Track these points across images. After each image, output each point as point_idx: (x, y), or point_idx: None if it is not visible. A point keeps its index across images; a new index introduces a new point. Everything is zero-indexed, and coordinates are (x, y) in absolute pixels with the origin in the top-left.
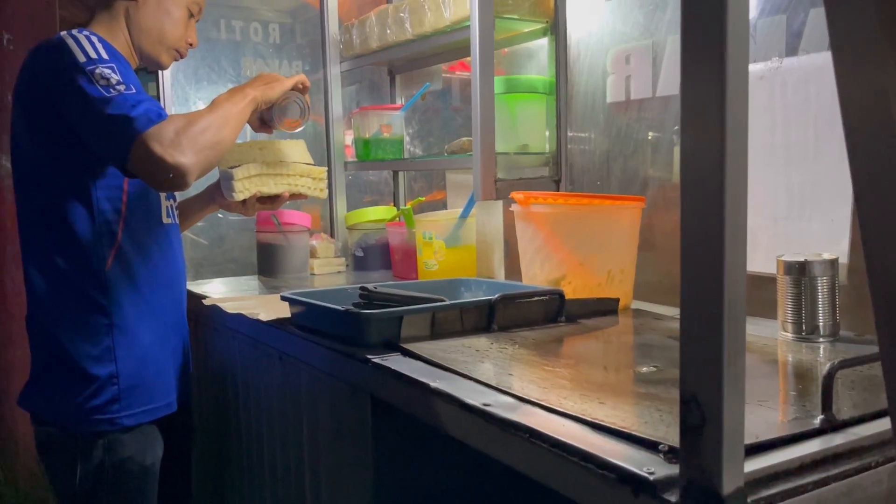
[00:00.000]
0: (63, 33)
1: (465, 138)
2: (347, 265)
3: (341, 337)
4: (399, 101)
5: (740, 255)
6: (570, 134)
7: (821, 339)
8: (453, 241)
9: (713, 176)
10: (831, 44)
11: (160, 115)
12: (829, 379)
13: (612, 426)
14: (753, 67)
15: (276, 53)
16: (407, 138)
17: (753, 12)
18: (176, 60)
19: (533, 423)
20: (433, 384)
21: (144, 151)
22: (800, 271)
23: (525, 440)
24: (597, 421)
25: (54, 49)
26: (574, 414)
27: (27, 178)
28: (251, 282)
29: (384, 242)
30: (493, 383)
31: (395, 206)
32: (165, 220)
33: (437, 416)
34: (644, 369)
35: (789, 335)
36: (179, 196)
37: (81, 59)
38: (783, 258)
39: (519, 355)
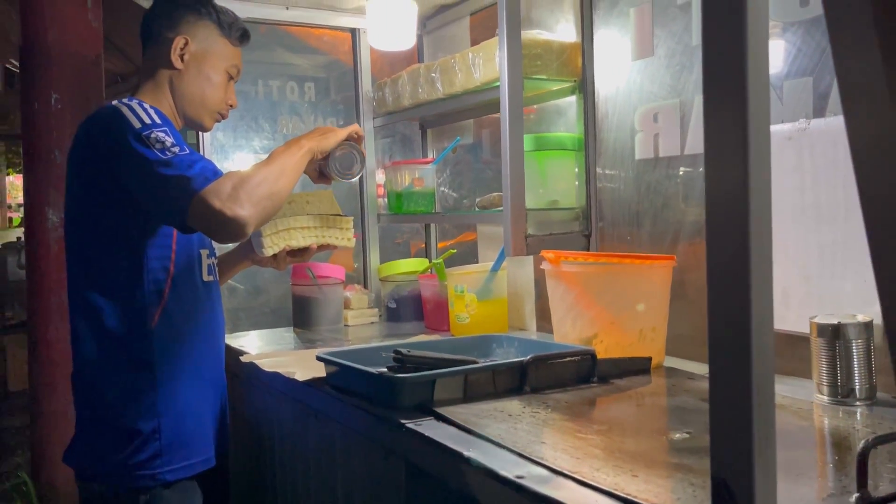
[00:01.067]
0: (115, 102)
1: (495, 193)
2: (381, 315)
3: (375, 399)
4: (430, 154)
5: (768, 342)
6: (599, 189)
7: (857, 403)
8: (485, 295)
9: (738, 220)
10: (841, 98)
11: (216, 173)
12: (863, 456)
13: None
14: (781, 128)
15: (311, 110)
16: (439, 188)
17: (780, 73)
18: (218, 122)
19: (566, 499)
20: (466, 453)
21: (204, 207)
22: (834, 334)
23: None
24: (630, 497)
25: (109, 117)
26: (607, 489)
27: (81, 240)
28: (286, 334)
29: (417, 294)
30: (525, 453)
31: (426, 257)
32: (207, 277)
33: (470, 486)
34: (677, 436)
35: (825, 398)
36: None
37: (136, 124)
38: (816, 320)
39: (551, 420)
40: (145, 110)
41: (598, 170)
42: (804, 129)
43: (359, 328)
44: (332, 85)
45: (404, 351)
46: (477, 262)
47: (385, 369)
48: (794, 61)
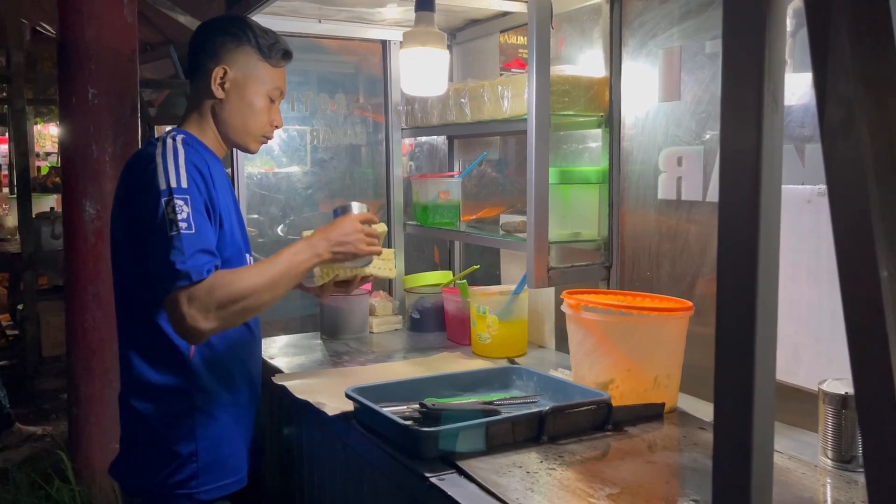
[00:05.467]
0: (158, 145)
1: (519, 219)
2: (404, 323)
3: (400, 446)
4: (457, 165)
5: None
6: (621, 223)
7: (859, 469)
8: (506, 316)
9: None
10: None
11: (201, 274)
12: None
13: None
14: (801, 190)
15: (342, 120)
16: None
17: (803, 136)
18: (264, 143)
19: None
20: None
21: (174, 305)
22: (841, 404)
23: None
24: None
25: (146, 163)
26: None
27: (123, 272)
28: (314, 342)
29: (440, 306)
30: None
31: (450, 268)
32: None
33: None
34: None
35: (828, 461)
36: None
37: (162, 185)
38: (825, 387)
39: (566, 480)
40: (177, 166)
41: (622, 204)
42: (824, 194)
43: (383, 337)
44: (361, 92)
45: (429, 404)
46: (499, 274)
47: (410, 419)
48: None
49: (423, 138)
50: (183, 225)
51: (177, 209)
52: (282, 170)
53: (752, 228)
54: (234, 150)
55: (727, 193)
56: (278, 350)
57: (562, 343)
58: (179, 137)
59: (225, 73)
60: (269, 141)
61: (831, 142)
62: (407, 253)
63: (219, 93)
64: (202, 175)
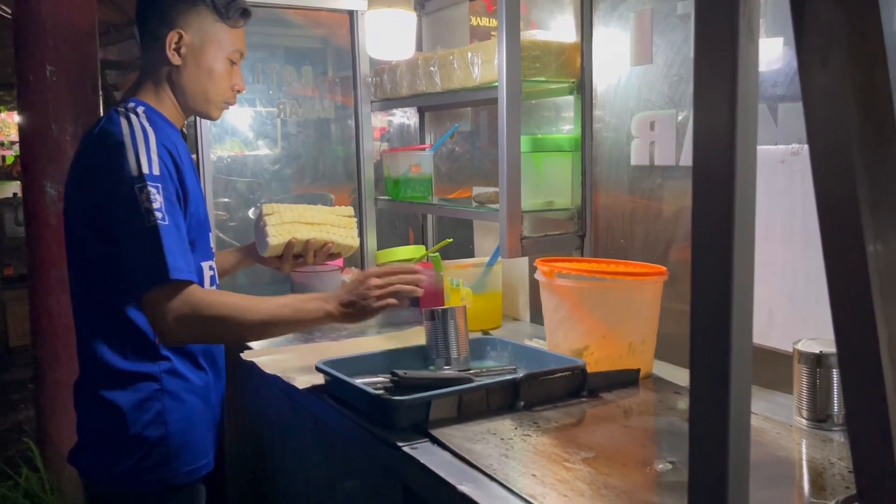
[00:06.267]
0: (123, 125)
1: (492, 189)
2: None
3: (372, 417)
4: (428, 138)
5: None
6: (595, 191)
7: (835, 428)
8: (480, 288)
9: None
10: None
11: (180, 274)
12: None
13: None
14: (774, 150)
15: (309, 96)
16: (436, 173)
17: (776, 95)
18: (226, 109)
19: None
20: (460, 487)
21: (155, 304)
22: (815, 362)
23: None
24: None
25: (114, 149)
26: None
27: (81, 255)
28: None
29: None
30: (516, 488)
31: (423, 243)
32: (209, 288)
33: None
34: (660, 466)
35: (804, 421)
36: (215, 249)
37: (134, 172)
38: (799, 347)
39: (541, 446)
40: (148, 150)
41: (595, 172)
42: (797, 154)
43: None
44: (329, 65)
45: (401, 373)
46: (472, 248)
47: (382, 389)
48: (792, 84)
49: (394, 118)
50: (158, 215)
51: (150, 197)
52: (251, 153)
53: (729, 148)
54: (199, 133)
55: (702, 116)
56: None
57: (536, 315)
58: (141, 110)
59: (180, 37)
60: (233, 112)
61: (809, 70)
62: (380, 229)
63: (175, 59)
64: (174, 159)
